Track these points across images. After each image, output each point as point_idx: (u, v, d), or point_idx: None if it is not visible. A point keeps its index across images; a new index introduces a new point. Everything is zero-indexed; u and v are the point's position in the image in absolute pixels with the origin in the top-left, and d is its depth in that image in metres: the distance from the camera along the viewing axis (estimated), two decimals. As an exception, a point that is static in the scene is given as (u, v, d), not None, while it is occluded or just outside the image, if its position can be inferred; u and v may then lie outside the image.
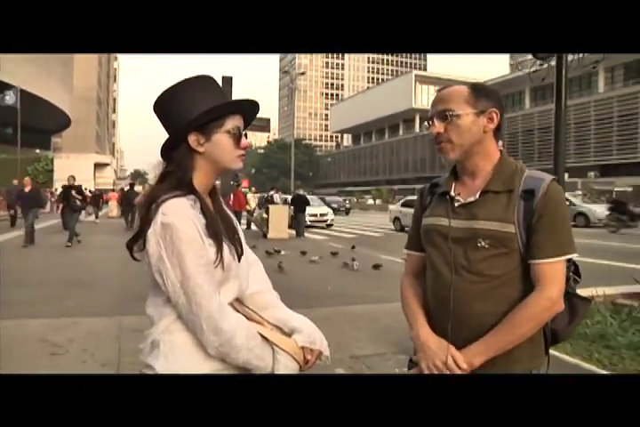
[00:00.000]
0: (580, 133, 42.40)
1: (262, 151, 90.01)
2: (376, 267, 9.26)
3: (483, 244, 1.44)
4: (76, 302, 6.23)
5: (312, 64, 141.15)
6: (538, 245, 1.41)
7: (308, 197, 24.23)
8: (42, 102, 36.90)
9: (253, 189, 22.23)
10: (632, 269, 8.50)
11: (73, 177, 13.74)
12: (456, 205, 1.53)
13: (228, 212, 1.58)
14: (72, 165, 44.01)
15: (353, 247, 12.23)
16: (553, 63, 5.74)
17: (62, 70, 42.95)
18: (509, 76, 51.66)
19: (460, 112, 1.47)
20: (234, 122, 1.42)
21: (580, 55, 5.78)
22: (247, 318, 1.49)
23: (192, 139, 1.39)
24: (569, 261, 1.46)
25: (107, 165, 63.53)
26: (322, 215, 21.29)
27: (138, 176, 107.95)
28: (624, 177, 37.06)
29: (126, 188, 22.65)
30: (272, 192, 20.48)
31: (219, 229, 1.40)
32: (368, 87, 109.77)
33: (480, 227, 1.44)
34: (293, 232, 16.64)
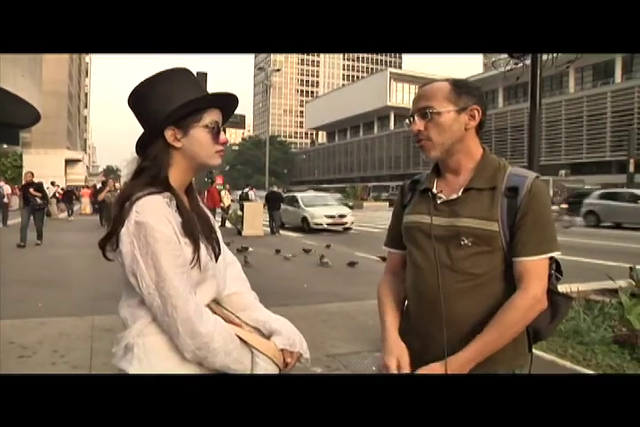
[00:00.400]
0: (552, 132, 43.20)
1: (237, 148, 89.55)
2: (351, 264, 9.25)
3: (466, 242, 1.42)
4: (46, 301, 6.05)
5: (287, 61, 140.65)
6: (522, 243, 1.40)
7: (321, 193, 23.17)
8: (9, 96, 35.86)
9: (227, 186, 21.99)
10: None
11: (31, 173, 12.69)
12: (438, 202, 1.50)
13: (206, 210, 1.53)
14: (42, 161, 42.99)
15: (328, 246, 12.06)
16: (528, 62, 5.80)
17: (31, 64, 41.70)
18: (483, 74, 52.41)
19: (440, 109, 1.44)
20: (212, 116, 1.37)
21: (555, 55, 5.85)
22: (224, 320, 1.45)
23: (169, 133, 1.34)
24: (551, 258, 1.45)
25: (78, 161, 62.25)
26: (340, 217, 17.63)
27: (110, 172, 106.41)
28: (593, 175, 37.91)
29: (99, 185, 22.19)
30: (247, 189, 20.34)
31: (195, 228, 1.35)
32: (343, 85, 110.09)
33: (463, 224, 1.42)
34: (268, 229, 16.57)
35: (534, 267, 1.39)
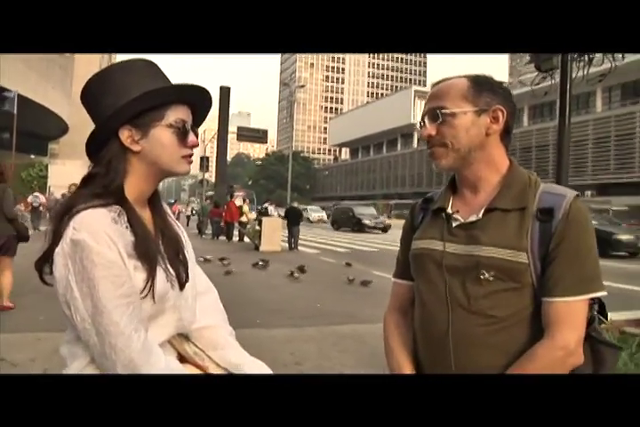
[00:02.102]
0: (578, 152, 42.36)
1: (260, 163, 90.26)
2: (365, 283, 8.81)
3: (486, 275, 1.13)
4: (47, 314, 5.79)
5: (312, 77, 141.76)
6: (554, 279, 1.10)
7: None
8: (39, 108, 36.60)
9: (247, 200, 21.75)
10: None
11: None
12: (454, 224, 1.22)
13: (175, 226, 1.28)
14: (67, 172, 43.59)
15: (348, 264, 11.56)
16: (557, 79, 5.53)
17: (61, 77, 42.78)
18: (508, 93, 51.85)
19: (455, 110, 1.18)
20: (178, 114, 1.13)
21: (585, 70, 5.60)
22: (187, 361, 1.20)
23: (125, 134, 1.11)
24: (593, 298, 1.15)
25: (103, 172, 63.20)
26: None
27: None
28: (620, 196, 36.96)
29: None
30: (266, 204, 20.17)
31: (151, 250, 1.10)
32: (367, 102, 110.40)
33: (483, 254, 1.14)
34: (286, 245, 16.31)
35: (568, 310, 1.10)
